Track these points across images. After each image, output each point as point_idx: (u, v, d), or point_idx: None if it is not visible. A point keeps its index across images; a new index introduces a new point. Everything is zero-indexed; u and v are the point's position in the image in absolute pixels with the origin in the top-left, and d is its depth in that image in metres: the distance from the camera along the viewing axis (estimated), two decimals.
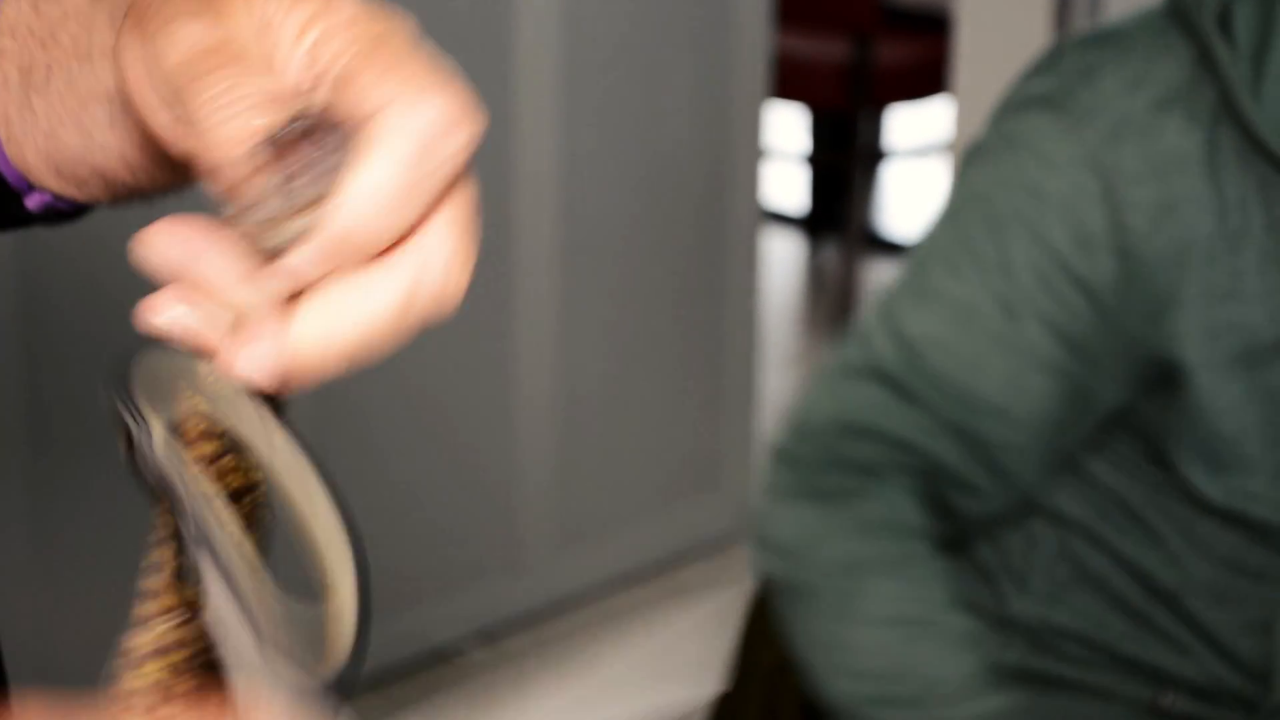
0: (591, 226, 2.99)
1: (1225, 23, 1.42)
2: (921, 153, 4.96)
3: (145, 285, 0.61)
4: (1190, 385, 1.43)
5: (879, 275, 4.51)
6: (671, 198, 3.10)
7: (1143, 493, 1.50)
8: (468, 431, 2.93)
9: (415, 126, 0.58)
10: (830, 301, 4.41)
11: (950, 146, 3.07)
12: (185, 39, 0.58)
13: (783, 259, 4.63)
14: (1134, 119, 1.42)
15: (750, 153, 3.21)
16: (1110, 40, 1.46)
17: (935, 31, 4.41)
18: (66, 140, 0.68)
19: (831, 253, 4.63)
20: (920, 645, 1.49)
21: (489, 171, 2.81)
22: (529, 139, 2.88)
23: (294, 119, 0.58)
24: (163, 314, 0.59)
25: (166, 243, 0.60)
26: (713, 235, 3.18)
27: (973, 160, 1.49)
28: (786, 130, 4.81)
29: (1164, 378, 1.45)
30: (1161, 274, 1.42)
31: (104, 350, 2.44)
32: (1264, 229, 1.42)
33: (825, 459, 1.50)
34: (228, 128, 0.57)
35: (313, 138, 0.58)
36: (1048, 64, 1.47)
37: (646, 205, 3.07)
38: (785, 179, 4.82)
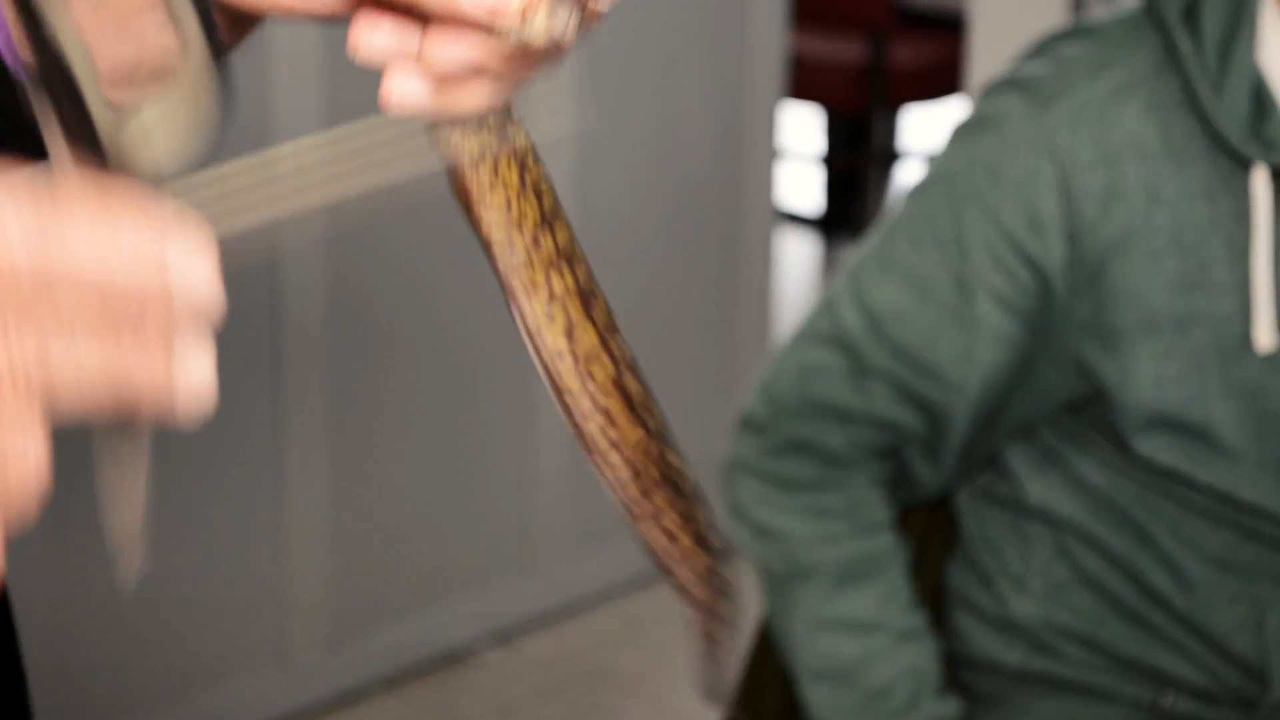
0: (606, 226, 2.99)
1: (1192, 16, 1.45)
2: None
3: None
4: (1134, 375, 1.45)
5: None
6: (686, 198, 3.10)
7: (1131, 491, 1.51)
8: (481, 431, 2.93)
9: None
10: None
11: None
12: None
13: (797, 260, 4.63)
14: (1094, 103, 1.45)
15: (765, 153, 3.21)
16: (1089, 32, 1.50)
17: (950, 32, 4.41)
18: (113, 51, 0.69)
19: (846, 254, 4.62)
20: (867, 649, 1.53)
21: None
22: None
23: None
24: (397, 92, 0.63)
25: (379, 33, 0.63)
26: (727, 236, 3.18)
27: (953, 136, 1.53)
28: (801, 131, 4.80)
29: (1096, 388, 1.48)
30: (1107, 261, 1.44)
31: None
32: (1233, 219, 1.43)
33: (792, 441, 1.54)
34: None
35: None
36: (1036, 51, 1.51)
37: (661, 205, 3.07)
38: (800, 179, 4.82)
